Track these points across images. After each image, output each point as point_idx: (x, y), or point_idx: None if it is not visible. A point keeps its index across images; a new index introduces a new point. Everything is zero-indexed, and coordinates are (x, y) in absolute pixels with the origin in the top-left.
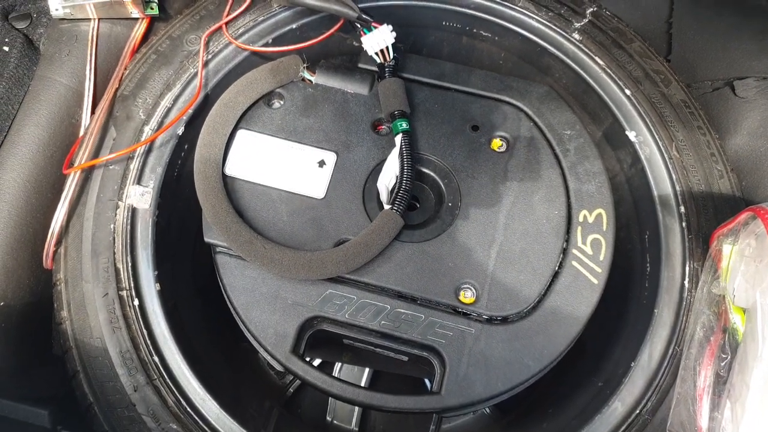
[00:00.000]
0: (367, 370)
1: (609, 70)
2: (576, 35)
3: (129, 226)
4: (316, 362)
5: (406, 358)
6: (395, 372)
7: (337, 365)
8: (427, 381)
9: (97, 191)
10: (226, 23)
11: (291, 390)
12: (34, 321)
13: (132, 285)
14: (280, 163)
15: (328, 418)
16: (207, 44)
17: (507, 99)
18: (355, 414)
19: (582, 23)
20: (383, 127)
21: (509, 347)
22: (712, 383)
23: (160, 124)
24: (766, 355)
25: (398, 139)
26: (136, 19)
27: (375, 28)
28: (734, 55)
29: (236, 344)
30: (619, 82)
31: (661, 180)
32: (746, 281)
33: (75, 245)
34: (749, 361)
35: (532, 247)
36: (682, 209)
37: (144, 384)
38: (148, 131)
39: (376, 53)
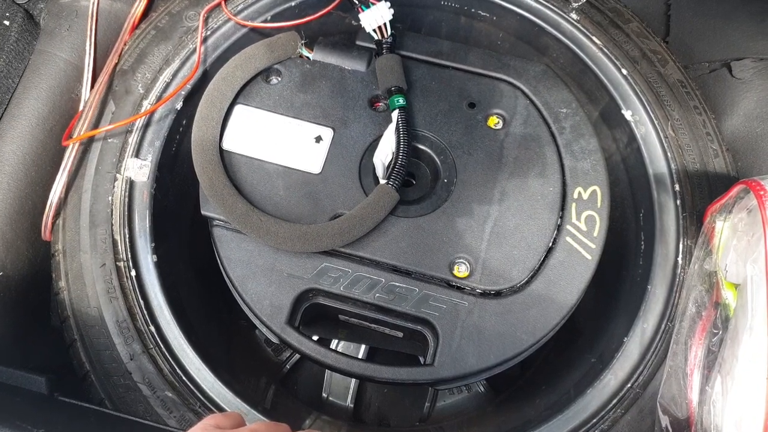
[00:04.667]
0: (362, 348)
1: (606, 50)
2: (573, 15)
3: (127, 199)
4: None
5: (400, 334)
6: (390, 349)
7: (334, 343)
8: (421, 359)
9: (95, 164)
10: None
11: (287, 367)
12: (33, 291)
13: (129, 256)
14: (277, 139)
15: (324, 395)
16: (206, 20)
17: (504, 77)
18: (351, 391)
19: (579, 3)
20: (380, 104)
21: (502, 321)
22: (703, 358)
23: (159, 98)
24: (755, 326)
25: (395, 114)
26: None
27: (373, 4)
28: (732, 36)
29: (232, 323)
30: (615, 61)
31: (657, 159)
32: (738, 256)
33: (73, 217)
34: (740, 335)
35: (527, 223)
36: (677, 187)
37: (140, 353)
38: (146, 105)
39: (374, 30)
